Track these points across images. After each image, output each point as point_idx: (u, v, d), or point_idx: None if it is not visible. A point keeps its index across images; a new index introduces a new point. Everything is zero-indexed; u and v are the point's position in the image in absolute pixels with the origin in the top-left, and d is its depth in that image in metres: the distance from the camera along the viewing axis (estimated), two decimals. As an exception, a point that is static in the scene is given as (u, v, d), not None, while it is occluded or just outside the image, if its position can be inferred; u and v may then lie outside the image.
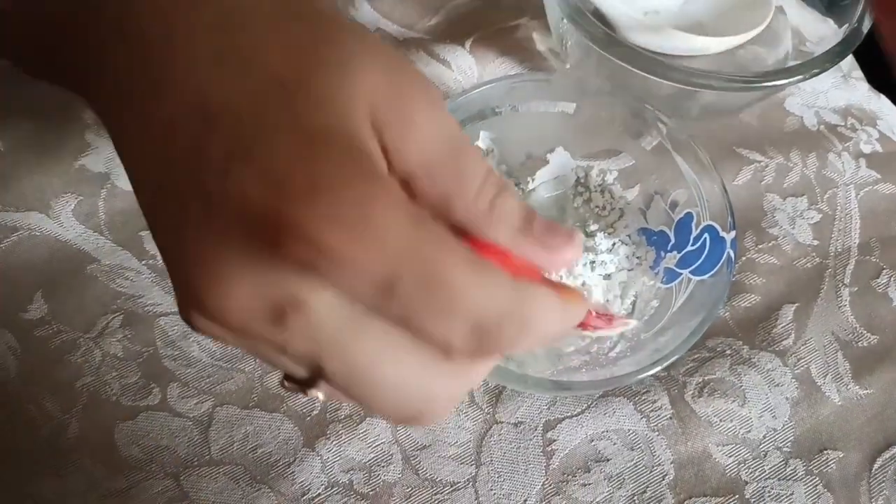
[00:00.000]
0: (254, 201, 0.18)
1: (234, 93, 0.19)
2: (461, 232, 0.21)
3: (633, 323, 0.33)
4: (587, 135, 0.40)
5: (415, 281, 0.18)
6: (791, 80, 0.40)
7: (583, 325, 0.25)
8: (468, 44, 0.47)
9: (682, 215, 0.38)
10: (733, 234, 0.36)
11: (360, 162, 0.19)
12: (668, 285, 0.37)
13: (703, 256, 0.36)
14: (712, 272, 0.35)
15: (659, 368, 0.32)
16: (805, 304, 0.41)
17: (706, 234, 0.36)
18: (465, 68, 0.46)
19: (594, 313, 0.25)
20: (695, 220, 0.37)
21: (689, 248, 0.36)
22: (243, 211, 0.18)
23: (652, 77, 0.41)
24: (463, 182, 0.21)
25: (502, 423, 0.37)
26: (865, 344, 0.40)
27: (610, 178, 0.40)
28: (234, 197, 0.18)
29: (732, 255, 0.35)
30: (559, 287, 0.21)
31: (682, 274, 0.36)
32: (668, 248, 0.37)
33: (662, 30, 0.43)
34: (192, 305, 0.19)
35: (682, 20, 0.46)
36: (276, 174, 0.18)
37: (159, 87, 0.20)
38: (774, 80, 0.40)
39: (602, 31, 0.41)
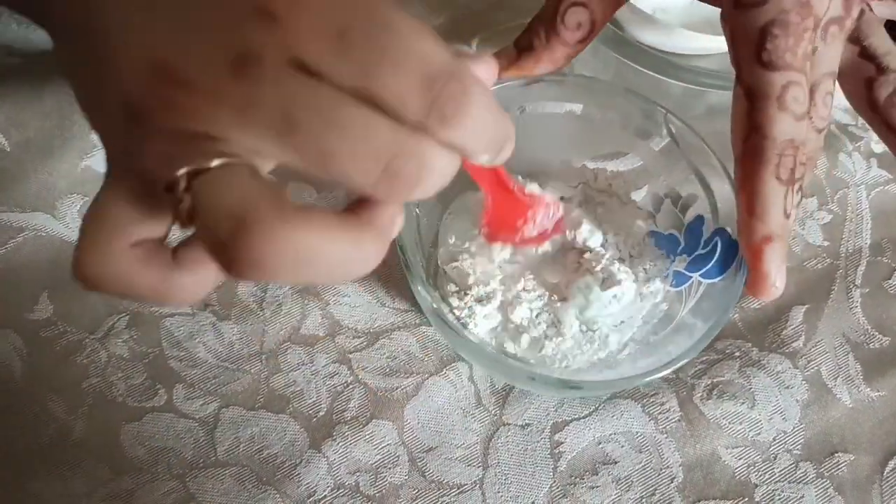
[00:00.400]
0: None
1: None
2: None
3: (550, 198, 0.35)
4: (595, 136, 0.39)
5: (364, 30, 0.19)
6: None
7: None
8: (474, 44, 0.47)
9: (692, 219, 0.37)
10: None
11: None
12: (678, 288, 0.37)
13: (714, 260, 0.35)
14: (723, 276, 0.34)
15: (668, 371, 0.32)
16: (815, 306, 0.40)
17: (717, 238, 0.35)
18: (472, 68, 0.46)
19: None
20: (706, 224, 0.36)
21: (700, 251, 0.36)
22: None
23: (661, 77, 0.41)
24: None
25: (510, 424, 0.37)
26: (877, 345, 0.39)
27: (618, 180, 0.40)
28: None
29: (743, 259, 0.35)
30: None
31: (691, 277, 0.36)
32: (679, 251, 0.37)
33: (671, 29, 0.43)
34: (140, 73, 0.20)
35: (690, 18, 0.46)
36: None
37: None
38: None
39: (611, 30, 0.41)
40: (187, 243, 0.22)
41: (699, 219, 0.37)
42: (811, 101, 0.29)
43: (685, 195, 0.38)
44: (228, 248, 0.18)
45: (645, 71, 0.40)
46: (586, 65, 0.45)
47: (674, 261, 0.37)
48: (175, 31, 0.20)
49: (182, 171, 0.19)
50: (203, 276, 0.22)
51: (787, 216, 0.29)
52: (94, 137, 0.42)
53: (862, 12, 0.31)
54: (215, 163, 0.19)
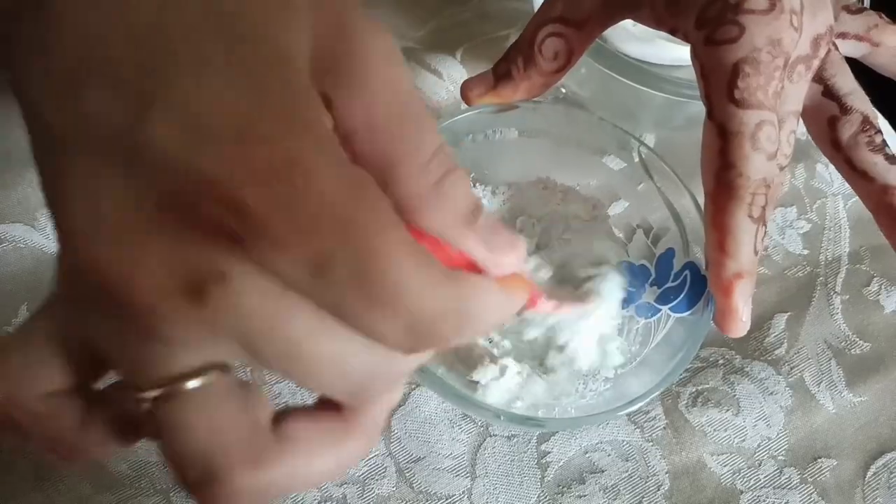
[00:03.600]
0: (166, 150, 0.15)
1: (149, 21, 0.16)
2: None
3: (583, 307, 0.33)
4: (568, 163, 0.39)
5: (349, 265, 0.16)
6: None
7: (532, 306, 0.24)
8: (459, 54, 0.47)
9: (663, 250, 0.37)
10: None
11: (299, 109, 0.16)
12: (648, 320, 0.37)
13: (683, 293, 0.35)
14: (692, 310, 0.34)
15: (633, 409, 0.32)
16: (797, 313, 0.41)
17: (687, 271, 0.36)
18: (457, 78, 0.46)
19: (544, 297, 0.25)
20: (676, 256, 0.36)
21: (670, 283, 0.36)
22: (154, 162, 0.15)
23: (642, 87, 0.41)
24: (410, 150, 0.18)
25: (496, 435, 0.36)
26: (858, 351, 0.40)
27: (590, 210, 0.40)
28: (146, 145, 0.15)
29: (712, 294, 0.35)
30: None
31: (661, 310, 0.36)
32: (649, 282, 0.37)
33: (650, 39, 0.43)
34: (87, 274, 0.17)
35: None
36: (198, 117, 0.15)
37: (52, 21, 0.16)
38: None
39: (594, 41, 0.41)
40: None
41: (670, 251, 0.37)
42: None
43: (656, 226, 0.38)
44: (198, 494, 0.18)
45: (626, 82, 0.41)
46: (569, 75, 0.45)
47: (645, 290, 0.37)
48: (119, 243, 0.16)
49: (150, 394, 0.17)
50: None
51: (756, 253, 0.29)
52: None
53: (828, 52, 0.31)
54: (190, 385, 0.17)
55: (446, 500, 0.35)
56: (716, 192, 0.29)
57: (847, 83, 0.32)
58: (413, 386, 0.37)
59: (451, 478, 0.35)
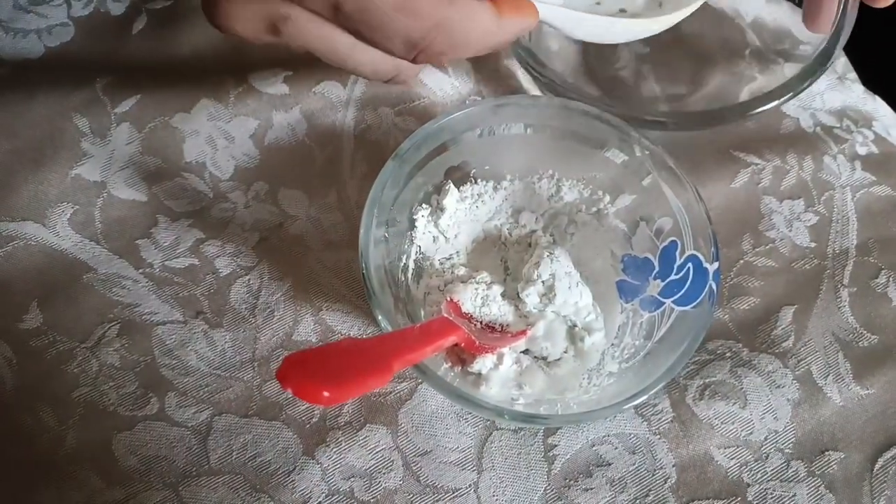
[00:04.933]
0: None
1: None
2: None
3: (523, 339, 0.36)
4: (569, 157, 0.39)
5: (353, 3, 0.27)
6: (760, 109, 0.41)
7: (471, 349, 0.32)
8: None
9: (666, 243, 0.37)
10: (716, 265, 0.35)
11: None
12: (652, 313, 0.37)
13: (687, 286, 0.35)
14: (695, 303, 0.34)
15: (635, 403, 0.32)
16: (804, 306, 0.40)
17: (689, 264, 0.35)
18: (462, 73, 0.46)
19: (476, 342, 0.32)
20: (679, 249, 0.36)
21: (674, 276, 0.36)
22: None
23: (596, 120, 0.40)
24: None
25: (503, 429, 0.37)
26: (866, 344, 0.40)
27: (593, 204, 0.40)
28: None
29: (715, 287, 0.35)
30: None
31: (665, 303, 0.36)
32: (653, 275, 0.37)
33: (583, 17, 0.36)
34: (214, 21, 0.28)
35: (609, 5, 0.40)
36: None
37: None
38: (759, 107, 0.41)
39: (548, 78, 0.40)
40: None
41: (673, 243, 0.37)
42: None
43: (660, 220, 0.38)
44: None
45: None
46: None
47: (649, 283, 0.37)
48: None
49: None
50: None
51: None
52: (84, 146, 0.42)
53: None
54: None
55: (453, 493, 0.35)
56: None
57: None
58: (419, 381, 0.37)
59: (458, 471, 0.36)
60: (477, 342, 0.34)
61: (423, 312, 0.37)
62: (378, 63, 0.30)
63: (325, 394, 0.24)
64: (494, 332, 0.36)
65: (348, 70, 0.30)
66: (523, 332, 0.36)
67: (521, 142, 0.39)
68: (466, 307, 0.36)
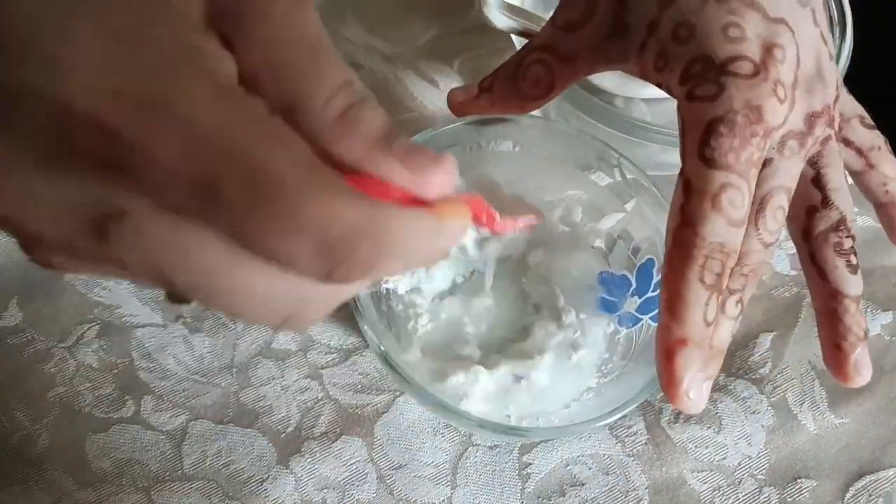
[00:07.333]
0: (32, 86, 0.15)
1: None
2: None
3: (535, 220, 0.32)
4: (549, 176, 0.40)
5: (238, 184, 0.15)
6: None
7: (490, 229, 0.24)
8: (456, 64, 0.47)
9: (643, 260, 0.37)
10: None
11: (179, 47, 0.16)
12: (630, 329, 0.37)
13: None
14: None
15: (609, 421, 0.32)
16: (782, 333, 0.41)
17: None
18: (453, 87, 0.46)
19: (496, 218, 0.24)
20: (656, 266, 0.37)
21: (650, 293, 0.36)
22: (31, 106, 0.16)
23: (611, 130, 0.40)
24: (313, 86, 0.18)
25: (478, 445, 0.37)
26: (841, 374, 0.40)
27: (572, 220, 0.40)
28: (14, 86, 0.15)
29: None
30: (439, 204, 0.19)
31: (642, 320, 0.36)
32: (630, 292, 0.37)
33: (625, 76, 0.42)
34: (21, 239, 0.18)
35: None
36: (62, 59, 0.15)
37: None
38: None
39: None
40: None
41: (650, 261, 0.37)
42: (761, 212, 0.28)
43: (637, 237, 0.38)
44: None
45: (598, 124, 0.40)
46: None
47: (626, 300, 0.37)
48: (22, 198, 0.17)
49: None
50: None
51: (708, 325, 0.27)
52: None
53: (828, 138, 0.30)
54: None
55: (426, 507, 0.35)
56: (671, 250, 0.27)
57: (837, 178, 0.31)
58: (397, 393, 0.37)
59: (432, 486, 0.36)
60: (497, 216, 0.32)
61: (409, 325, 0.37)
62: (270, 291, 0.18)
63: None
64: None
65: (216, 306, 0.18)
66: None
67: (509, 159, 0.39)
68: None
